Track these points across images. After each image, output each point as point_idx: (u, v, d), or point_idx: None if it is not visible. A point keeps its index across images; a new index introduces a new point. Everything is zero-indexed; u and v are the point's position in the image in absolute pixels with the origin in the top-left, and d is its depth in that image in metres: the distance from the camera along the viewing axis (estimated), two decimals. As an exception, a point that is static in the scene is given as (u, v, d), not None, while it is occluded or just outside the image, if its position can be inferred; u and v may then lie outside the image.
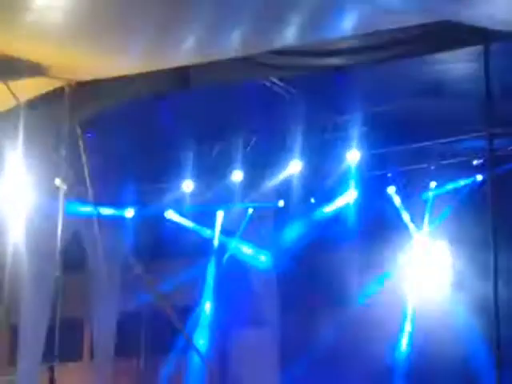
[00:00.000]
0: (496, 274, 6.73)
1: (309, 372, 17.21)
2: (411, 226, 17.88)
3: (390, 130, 16.11)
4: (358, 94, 14.06)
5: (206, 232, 20.55)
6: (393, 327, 17.46)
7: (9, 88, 10.02)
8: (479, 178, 16.68)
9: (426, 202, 17.75)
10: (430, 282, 17.56)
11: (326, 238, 18.13)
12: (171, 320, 18.10)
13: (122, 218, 19.92)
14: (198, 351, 12.81)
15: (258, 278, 19.67)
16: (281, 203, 19.18)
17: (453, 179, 17.23)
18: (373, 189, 18.00)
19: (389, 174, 17.85)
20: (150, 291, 13.71)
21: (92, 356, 22.28)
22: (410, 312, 17.61)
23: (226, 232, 20.51)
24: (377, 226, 17.60)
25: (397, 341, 17.51)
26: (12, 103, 11.01)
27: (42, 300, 16.95)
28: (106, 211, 17.82)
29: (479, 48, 9.05)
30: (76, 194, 13.31)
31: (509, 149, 15.63)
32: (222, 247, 20.67)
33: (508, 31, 8.35)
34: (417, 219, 17.89)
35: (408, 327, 17.56)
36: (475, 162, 16.74)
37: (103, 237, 17.08)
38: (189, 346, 12.80)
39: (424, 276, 17.66)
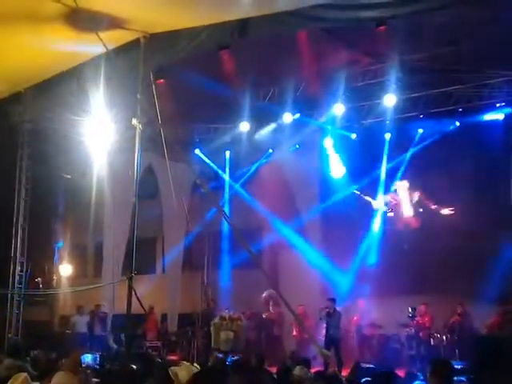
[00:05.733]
0: None
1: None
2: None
3: (422, 76, 15.82)
4: (394, 43, 13.78)
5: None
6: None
7: (99, 37, 10.03)
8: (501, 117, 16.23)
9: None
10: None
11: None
12: (231, 238, 18.40)
13: (190, 153, 20.08)
14: (256, 262, 12.92)
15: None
16: (328, 143, 19.06)
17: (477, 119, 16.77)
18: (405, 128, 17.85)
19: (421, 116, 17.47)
20: (216, 206, 13.89)
21: (164, 270, 22.85)
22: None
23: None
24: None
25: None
26: (96, 52, 11.12)
27: (121, 222, 17.27)
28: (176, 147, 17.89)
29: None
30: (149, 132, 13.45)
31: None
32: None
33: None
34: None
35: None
36: (498, 105, 16.31)
37: (173, 169, 17.42)
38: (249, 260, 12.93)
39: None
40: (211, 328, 16.89)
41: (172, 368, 5.53)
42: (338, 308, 15.83)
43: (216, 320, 16.88)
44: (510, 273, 6.66)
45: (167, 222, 20.62)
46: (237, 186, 20.71)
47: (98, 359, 12.11)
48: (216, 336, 16.44)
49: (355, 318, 17.92)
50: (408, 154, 18.13)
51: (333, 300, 15.79)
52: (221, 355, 13.11)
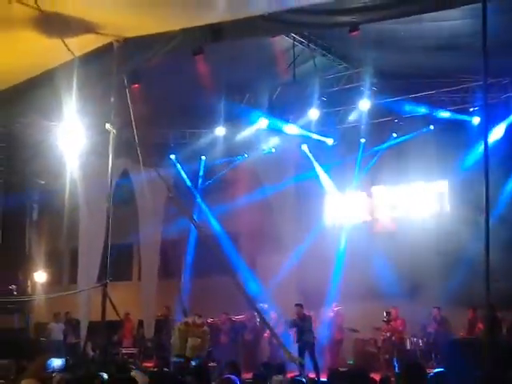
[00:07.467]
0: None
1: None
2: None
3: (397, 81, 15.88)
4: (368, 49, 13.83)
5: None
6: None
7: (65, 43, 9.92)
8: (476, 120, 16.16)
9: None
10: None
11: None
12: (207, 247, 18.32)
13: (166, 159, 19.99)
14: (232, 273, 12.76)
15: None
16: (304, 147, 19.14)
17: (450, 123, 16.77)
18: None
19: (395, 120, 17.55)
20: (186, 215, 13.88)
21: (139, 277, 22.67)
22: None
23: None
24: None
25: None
26: (67, 58, 10.99)
27: (97, 228, 17.06)
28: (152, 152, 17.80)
29: (478, 5, 8.72)
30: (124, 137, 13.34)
31: (502, 97, 15.39)
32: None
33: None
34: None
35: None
36: (471, 110, 16.37)
37: (148, 174, 17.32)
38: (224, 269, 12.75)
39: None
40: (174, 333, 16.53)
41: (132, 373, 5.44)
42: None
43: (180, 326, 16.46)
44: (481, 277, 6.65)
45: (143, 228, 20.44)
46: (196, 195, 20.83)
47: (64, 364, 11.97)
48: (182, 342, 16.00)
49: (333, 322, 17.84)
50: (375, 159, 18.44)
51: (300, 305, 15.63)
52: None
